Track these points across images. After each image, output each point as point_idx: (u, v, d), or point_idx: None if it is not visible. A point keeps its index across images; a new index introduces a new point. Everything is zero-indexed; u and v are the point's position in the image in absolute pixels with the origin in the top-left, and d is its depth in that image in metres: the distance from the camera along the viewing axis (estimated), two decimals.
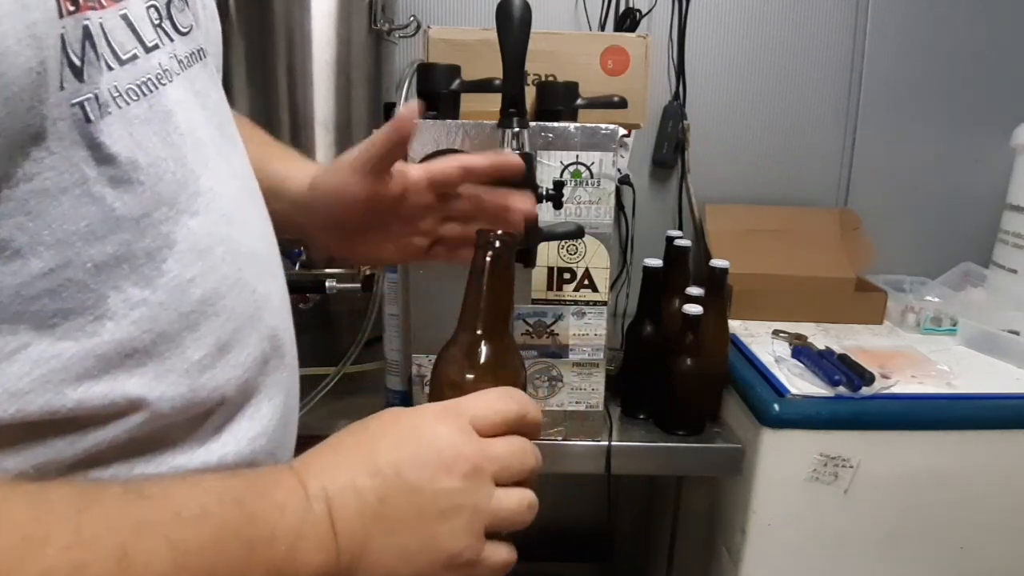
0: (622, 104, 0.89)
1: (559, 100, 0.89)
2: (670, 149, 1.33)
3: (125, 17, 0.34)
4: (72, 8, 0.30)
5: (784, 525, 0.94)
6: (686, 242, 1.03)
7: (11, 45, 0.27)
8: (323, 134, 1.05)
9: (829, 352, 1.00)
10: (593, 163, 0.83)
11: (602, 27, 1.30)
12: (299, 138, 1.04)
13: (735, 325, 1.13)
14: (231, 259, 0.39)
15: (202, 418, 0.38)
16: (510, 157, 0.57)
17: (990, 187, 1.34)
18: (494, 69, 0.74)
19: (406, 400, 0.95)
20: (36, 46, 0.28)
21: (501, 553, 0.39)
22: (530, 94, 0.92)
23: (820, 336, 1.11)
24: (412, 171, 0.55)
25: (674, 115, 1.32)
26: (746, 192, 1.37)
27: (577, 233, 0.78)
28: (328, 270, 1.11)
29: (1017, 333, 1.08)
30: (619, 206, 1.32)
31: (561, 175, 0.83)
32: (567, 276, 0.87)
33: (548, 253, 0.86)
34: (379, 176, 0.54)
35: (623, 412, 1.01)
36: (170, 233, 0.35)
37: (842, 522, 0.94)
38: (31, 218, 0.30)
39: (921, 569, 0.97)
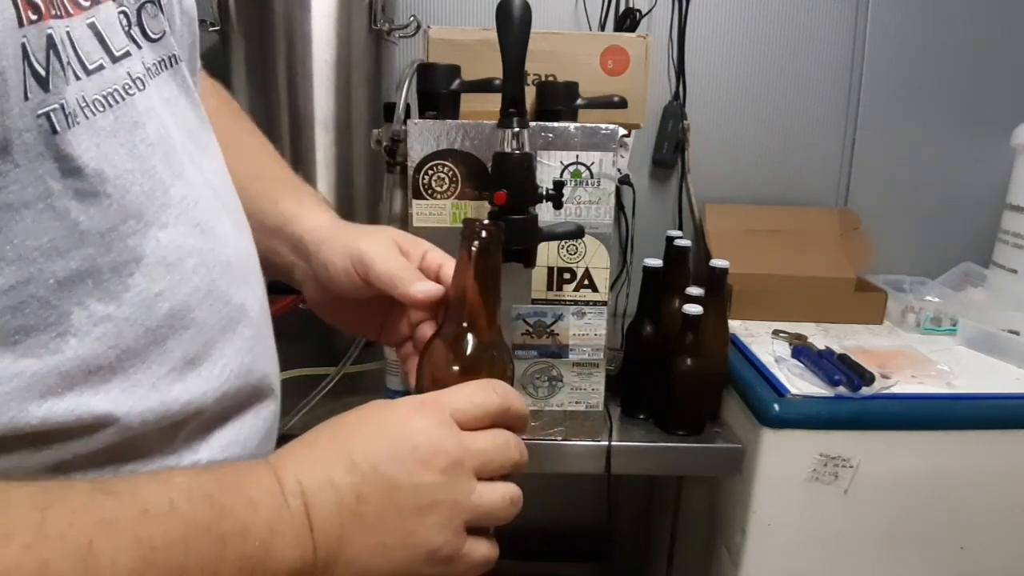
0: (622, 104, 0.89)
1: (559, 100, 0.89)
2: (670, 149, 1.33)
3: (92, 26, 0.33)
4: (34, 17, 0.29)
5: (784, 525, 0.94)
6: (686, 242, 1.03)
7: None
8: (323, 134, 1.05)
9: (829, 352, 1.00)
10: (593, 163, 0.83)
11: (602, 27, 1.30)
12: (299, 138, 1.04)
13: (735, 325, 1.13)
14: (203, 270, 0.38)
15: (175, 429, 0.37)
16: None
17: (990, 187, 1.34)
18: (494, 69, 0.74)
19: None
20: (20, 58, 0.28)
21: (482, 549, 0.39)
22: (530, 94, 0.92)
23: (820, 336, 1.11)
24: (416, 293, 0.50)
25: (674, 115, 1.32)
26: (746, 192, 1.37)
27: (577, 233, 0.78)
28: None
29: (1017, 333, 1.08)
30: (619, 206, 1.32)
31: (561, 175, 0.83)
32: (567, 276, 0.87)
33: (548, 253, 0.86)
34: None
35: (623, 412, 1.00)
36: (137, 247, 0.34)
37: (842, 522, 0.94)
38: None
39: (921, 569, 0.97)
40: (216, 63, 1.22)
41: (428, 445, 0.37)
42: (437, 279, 0.50)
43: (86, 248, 0.32)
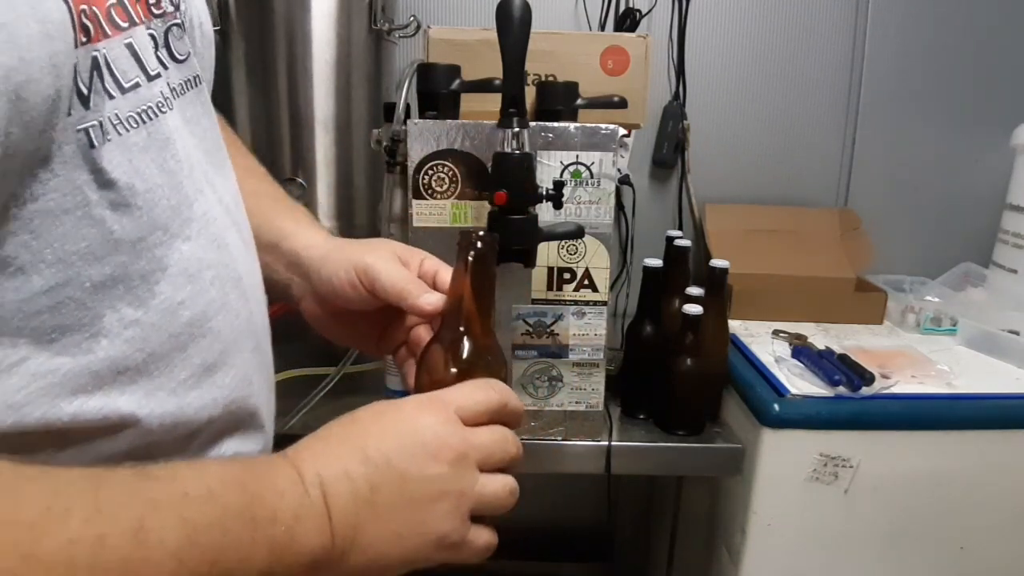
0: (622, 104, 0.89)
1: (559, 100, 0.89)
2: (670, 149, 1.33)
3: (130, 46, 0.35)
4: (84, 39, 0.32)
5: (784, 525, 0.94)
6: (686, 242, 1.03)
7: (34, 73, 0.29)
8: (323, 134, 1.05)
9: (829, 352, 1.00)
10: (593, 163, 0.83)
11: (602, 27, 1.30)
12: (299, 138, 1.04)
13: (735, 325, 1.13)
14: (219, 283, 0.40)
15: (189, 438, 0.39)
16: None
17: (990, 187, 1.34)
18: (494, 69, 0.74)
19: None
20: (55, 74, 0.30)
21: (484, 536, 0.41)
22: (530, 94, 0.92)
23: (820, 336, 1.11)
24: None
25: (674, 115, 1.32)
26: (746, 192, 1.37)
27: (577, 233, 0.78)
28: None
29: (1017, 333, 1.08)
30: (619, 206, 1.32)
31: (561, 175, 0.83)
32: (567, 276, 0.87)
33: (548, 253, 0.86)
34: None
35: (623, 412, 1.00)
36: (164, 257, 0.36)
37: (842, 522, 0.94)
38: (34, 237, 0.31)
39: (921, 569, 0.97)
40: (216, 63, 1.22)
41: (435, 440, 0.39)
42: (434, 285, 0.52)
43: (119, 255, 0.34)
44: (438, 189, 0.83)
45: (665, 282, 1.00)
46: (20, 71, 0.28)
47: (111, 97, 0.33)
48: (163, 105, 0.37)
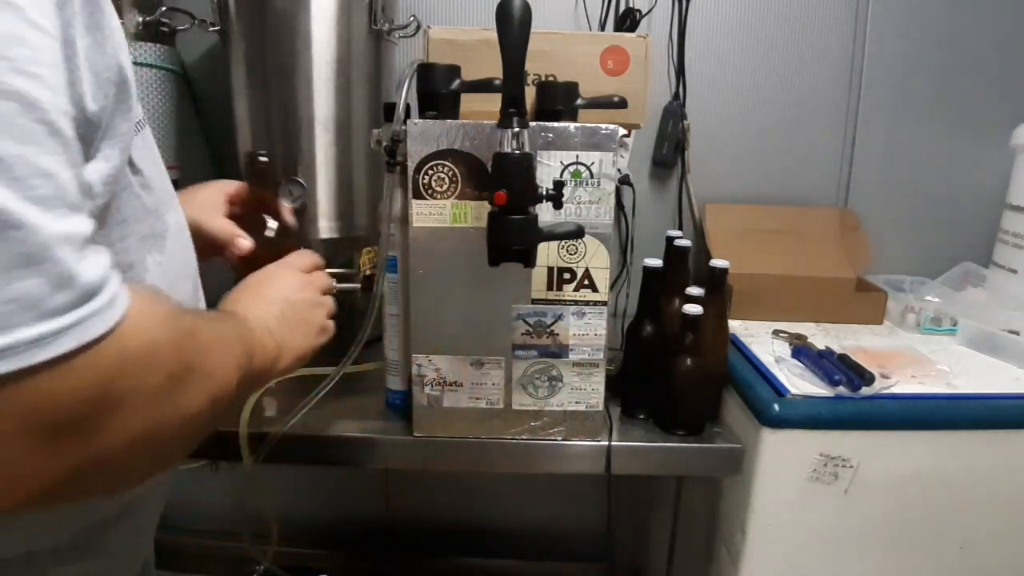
0: (622, 104, 0.89)
1: (559, 100, 0.89)
2: (670, 149, 1.33)
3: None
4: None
5: (784, 525, 0.94)
6: (686, 242, 1.03)
7: (128, 65, 0.45)
8: (323, 134, 1.05)
9: (829, 352, 1.00)
10: (593, 163, 0.83)
11: (602, 27, 1.30)
12: (299, 138, 1.04)
13: (735, 325, 1.13)
14: (186, 242, 0.59)
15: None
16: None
17: (990, 187, 1.34)
18: (494, 69, 0.74)
19: (407, 399, 0.95)
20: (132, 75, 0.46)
21: (331, 323, 0.73)
22: (530, 94, 0.92)
23: (820, 336, 1.11)
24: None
25: (674, 115, 1.32)
26: (746, 192, 1.37)
27: (577, 233, 0.78)
28: (328, 270, 1.11)
29: (1017, 333, 1.08)
30: (619, 206, 1.32)
31: (561, 175, 0.83)
32: (567, 276, 0.87)
33: (548, 253, 0.86)
34: None
35: (623, 412, 1.00)
36: (166, 222, 0.54)
37: (842, 522, 0.94)
38: (119, 212, 0.47)
39: (921, 569, 0.97)
40: (216, 63, 1.22)
41: (299, 281, 0.70)
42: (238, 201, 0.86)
43: (149, 219, 0.51)
44: (438, 189, 0.83)
45: (665, 282, 1.00)
46: (130, 71, 0.46)
47: (135, 104, 0.47)
48: (143, 122, 0.51)
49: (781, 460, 0.91)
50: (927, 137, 1.37)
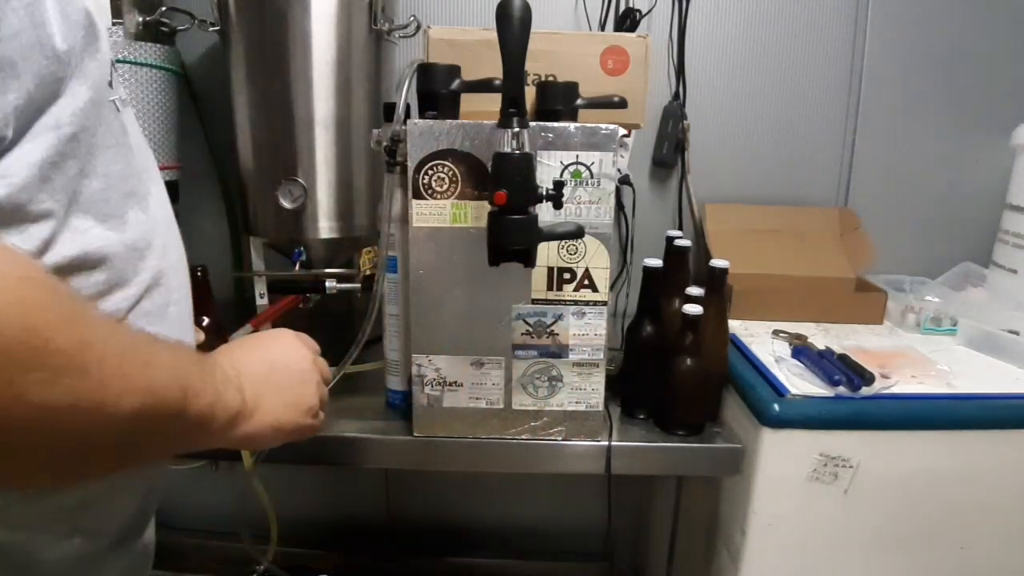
0: (622, 104, 0.89)
1: (559, 100, 0.89)
2: (670, 149, 1.33)
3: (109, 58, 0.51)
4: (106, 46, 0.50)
5: (784, 525, 0.94)
6: (686, 242, 1.03)
7: (103, 47, 0.48)
8: (323, 134, 1.05)
9: (829, 352, 1.00)
10: (593, 163, 0.83)
11: (602, 27, 1.30)
12: (299, 138, 1.04)
13: (735, 325, 1.13)
14: (166, 213, 0.59)
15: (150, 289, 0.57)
16: None
17: (990, 187, 1.34)
18: (494, 69, 0.74)
19: (407, 399, 0.95)
20: (108, 66, 0.50)
21: (321, 416, 0.65)
22: (530, 94, 0.92)
23: (820, 336, 1.11)
24: None
25: (674, 115, 1.32)
26: (746, 192, 1.37)
27: (577, 233, 0.78)
28: (328, 270, 1.11)
29: (1017, 333, 1.08)
30: (619, 206, 1.32)
31: (561, 175, 0.83)
32: (567, 276, 0.87)
33: (548, 253, 0.86)
34: None
35: (623, 412, 1.00)
36: (150, 187, 0.55)
37: (842, 522, 0.94)
38: (92, 155, 0.47)
39: (921, 569, 0.97)
40: (216, 63, 1.22)
41: (301, 348, 0.64)
42: None
43: (133, 178, 0.52)
44: (438, 189, 0.83)
45: (665, 282, 1.00)
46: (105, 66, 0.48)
47: (117, 83, 0.51)
48: (125, 102, 0.54)
49: (781, 460, 0.91)
50: (927, 137, 1.37)
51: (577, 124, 0.82)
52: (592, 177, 0.83)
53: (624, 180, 1.19)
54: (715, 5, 1.31)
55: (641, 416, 0.99)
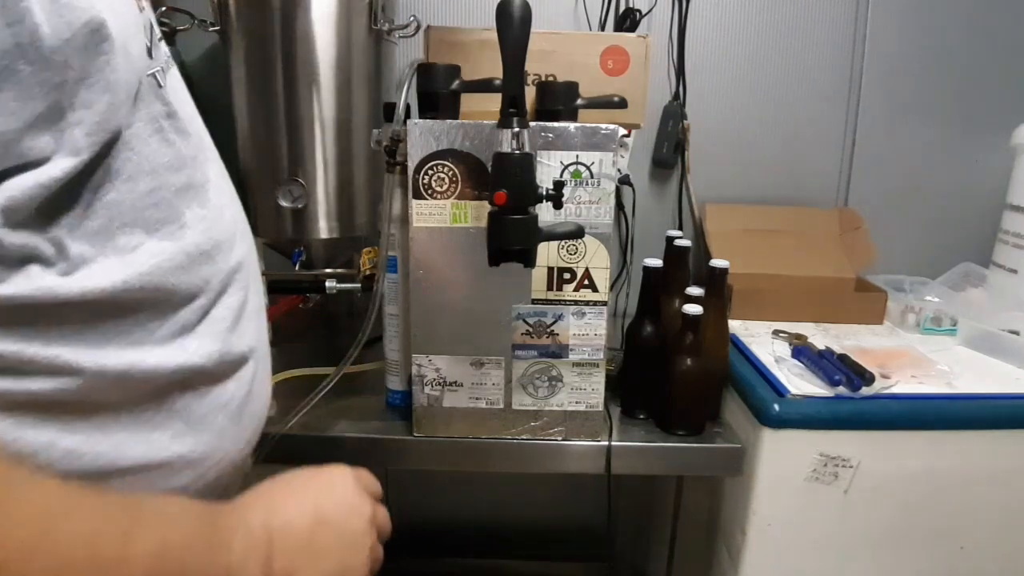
0: (622, 104, 0.89)
1: (559, 100, 0.89)
2: (670, 149, 1.33)
3: (148, 19, 0.46)
4: (143, 5, 0.44)
5: (784, 525, 0.94)
6: (686, 242, 1.03)
7: (132, 33, 0.40)
8: (323, 134, 1.05)
9: (829, 352, 1.00)
10: (593, 163, 0.83)
11: (602, 27, 1.30)
12: (299, 138, 1.04)
13: (735, 325, 1.13)
14: (229, 196, 0.53)
15: (227, 309, 0.50)
16: None
17: (990, 187, 1.34)
18: (494, 69, 0.74)
19: (406, 399, 0.95)
20: (141, 32, 0.42)
21: None
22: (530, 94, 0.92)
23: (820, 336, 1.11)
24: None
25: (674, 115, 1.32)
26: (746, 192, 1.37)
27: (577, 233, 0.78)
28: (328, 270, 1.11)
29: (1017, 333, 1.08)
30: (619, 206, 1.32)
31: (561, 175, 0.83)
32: (567, 276, 0.87)
33: (548, 253, 0.86)
34: None
35: (623, 412, 1.00)
36: (207, 171, 0.49)
37: (842, 522, 0.94)
38: (135, 153, 0.42)
39: (921, 569, 0.97)
40: (216, 63, 1.22)
41: (358, 502, 0.50)
42: None
43: (187, 168, 0.46)
44: (438, 189, 0.83)
45: (665, 282, 1.00)
46: (124, 33, 0.39)
47: (158, 49, 0.45)
48: (170, 62, 0.48)
49: (781, 460, 0.91)
50: (927, 137, 1.37)
51: (577, 124, 0.82)
52: (592, 177, 0.83)
53: (624, 180, 1.20)
54: (715, 5, 1.31)
55: (641, 416, 0.99)
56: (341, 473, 0.52)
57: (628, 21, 1.28)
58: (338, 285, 1.09)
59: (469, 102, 0.88)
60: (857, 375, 0.91)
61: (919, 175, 1.39)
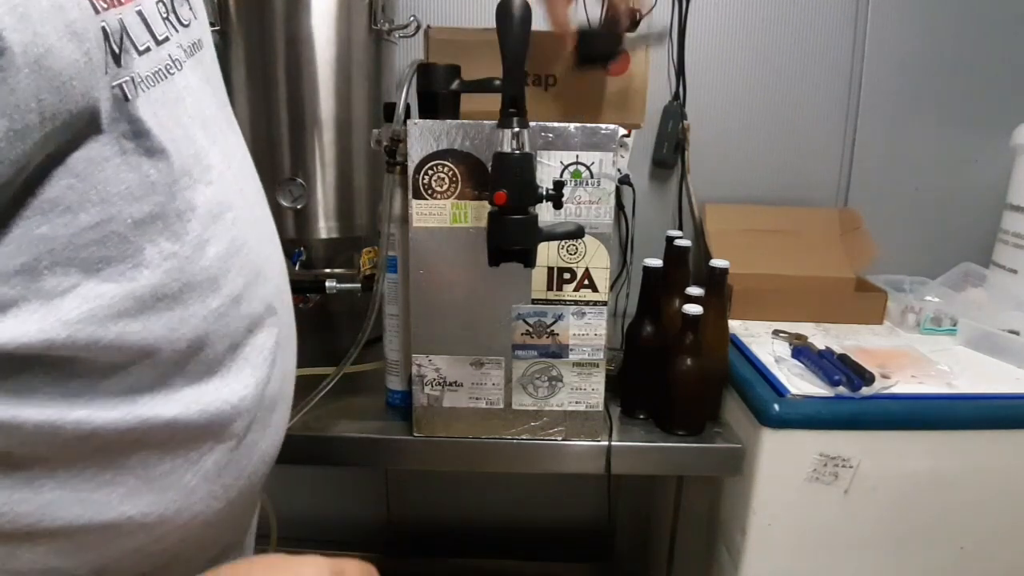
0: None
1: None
2: (670, 149, 1.33)
3: (140, 13, 0.39)
4: (104, 6, 0.36)
5: (784, 525, 0.94)
6: (686, 242, 1.03)
7: (54, 42, 0.32)
8: (323, 134, 1.05)
9: (829, 352, 1.00)
10: (593, 163, 0.83)
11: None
12: (299, 138, 1.04)
13: (735, 325, 1.13)
14: (239, 224, 0.45)
15: (210, 360, 0.44)
16: None
17: (990, 187, 1.34)
18: (494, 69, 0.74)
19: (406, 399, 0.95)
20: (76, 40, 0.33)
21: None
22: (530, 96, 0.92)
23: (820, 336, 1.11)
24: None
25: (674, 115, 1.32)
26: (746, 192, 1.37)
27: (577, 233, 0.78)
28: (328, 270, 1.11)
29: (1017, 333, 1.08)
30: (619, 206, 1.32)
31: (561, 175, 0.83)
32: (567, 276, 0.87)
33: (548, 253, 0.86)
34: None
35: (623, 412, 1.00)
36: (192, 198, 0.41)
37: (842, 522, 0.94)
38: (80, 180, 0.35)
39: (921, 569, 0.97)
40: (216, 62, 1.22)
41: None
42: None
43: (156, 196, 0.39)
44: (438, 189, 0.83)
45: (665, 282, 1.00)
46: (37, 44, 0.32)
47: (139, 54, 0.38)
48: (171, 67, 0.41)
49: (781, 460, 0.91)
50: (927, 137, 1.37)
51: (577, 124, 0.82)
52: (592, 177, 0.83)
53: (624, 180, 1.19)
54: (715, 5, 1.31)
55: (641, 416, 0.99)
56: (314, 570, 0.43)
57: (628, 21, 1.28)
58: (338, 285, 1.09)
59: (469, 102, 0.88)
60: (857, 375, 0.91)
61: (919, 175, 1.39)
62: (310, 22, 1.01)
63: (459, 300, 0.87)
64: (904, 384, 0.95)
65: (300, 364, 1.03)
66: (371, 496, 1.57)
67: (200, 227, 0.41)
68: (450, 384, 0.90)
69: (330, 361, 0.92)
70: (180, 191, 0.40)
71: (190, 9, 0.46)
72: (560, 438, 0.92)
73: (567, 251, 0.86)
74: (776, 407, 0.89)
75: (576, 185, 0.83)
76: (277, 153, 1.05)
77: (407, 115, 0.85)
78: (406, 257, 0.87)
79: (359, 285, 1.09)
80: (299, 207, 1.05)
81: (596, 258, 0.86)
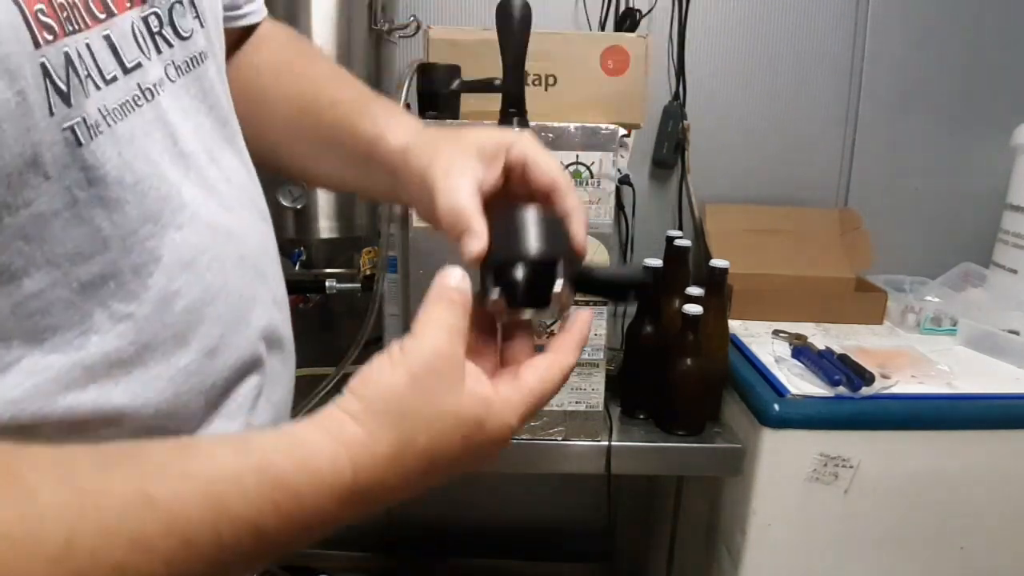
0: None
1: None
2: (670, 149, 1.33)
3: (108, 38, 0.35)
4: (50, 37, 0.31)
5: (784, 525, 0.94)
6: (686, 242, 1.03)
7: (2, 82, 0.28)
8: None
9: (829, 352, 1.00)
10: (593, 163, 0.83)
11: (602, 27, 1.30)
12: None
13: (735, 325, 1.13)
14: (216, 266, 0.40)
15: (184, 421, 0.39)
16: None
17: (990, 187, 1.34)
18: (494, 69, 0.74)
19: None
20: (9, 78, 0.29)
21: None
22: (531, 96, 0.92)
23: (820, 336, 1.11)
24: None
25: (674, 115, 1.32)
26: (746, 192, 1.37)
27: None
28: (328, 270, 1.11)
29: (1017, 333, 1.08)
30: (619, 206, 1.32)
31: None
32: None
33: None
34: None
35: (623, 412, 1.00)
36: (156, 248, 0.36)
37: (842, 522, 0.94)
38: (27, 242, 0.31)
39: (921, 569, 0.97)
40: None
41: (486, 441, 0.38)
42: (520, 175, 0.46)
43: (109, 253, 0.34)
44: None
45: (665, 282, 1.00)
46: None
47: (98, 88, 0.33)
48: (139, 98, 0.36)
49: (781, 460, 0.91)
50: (927, 137, 1.37)
51: (577, 124, 0.82)
52: (592, 177, 0.83)
53: (624, 180, 1.20)
54: (715, 5, 1.31)
55: (641, 416, 0.99)
56: (484, 401, 0.38)
57: (628, 21, 1.28)
58: (338, 285, 1.09)
59: (469, 102, 0.88)
60: (857, 375, 0.91)
61: (919, 175, 1.39)
62: (310, 22, 1.00)
63: None
64: (904, 384, 0.95)
65: (300, 364, 1.03)
66: None
67: (165, 279, 0.36)
68: None
69: (330, 361, 0.92)
70: (140, 242, 0.35)
71: (196, 16, 0.42)
72: (560, 438, 0.92)
73: None
74: (776, 407, 0.89)
75: (576, 185, 0.83)
76: None
77: None
78: (406, 257, 0.87)
79: (359, 285, 1.09)
80: (299, 207, 1.05)
81: (596, 258, 0.86)
